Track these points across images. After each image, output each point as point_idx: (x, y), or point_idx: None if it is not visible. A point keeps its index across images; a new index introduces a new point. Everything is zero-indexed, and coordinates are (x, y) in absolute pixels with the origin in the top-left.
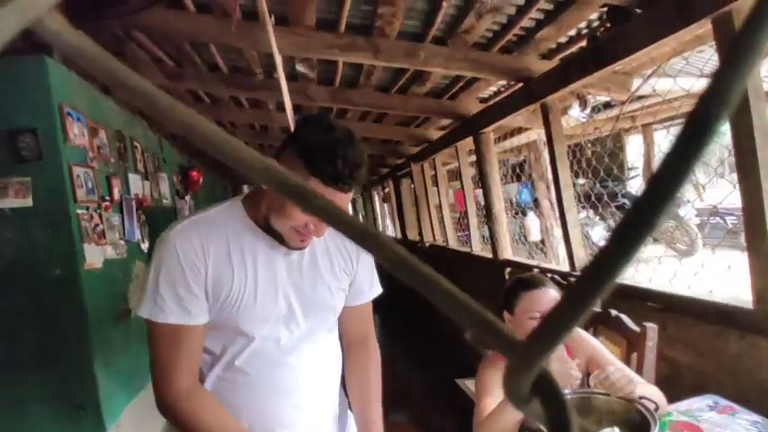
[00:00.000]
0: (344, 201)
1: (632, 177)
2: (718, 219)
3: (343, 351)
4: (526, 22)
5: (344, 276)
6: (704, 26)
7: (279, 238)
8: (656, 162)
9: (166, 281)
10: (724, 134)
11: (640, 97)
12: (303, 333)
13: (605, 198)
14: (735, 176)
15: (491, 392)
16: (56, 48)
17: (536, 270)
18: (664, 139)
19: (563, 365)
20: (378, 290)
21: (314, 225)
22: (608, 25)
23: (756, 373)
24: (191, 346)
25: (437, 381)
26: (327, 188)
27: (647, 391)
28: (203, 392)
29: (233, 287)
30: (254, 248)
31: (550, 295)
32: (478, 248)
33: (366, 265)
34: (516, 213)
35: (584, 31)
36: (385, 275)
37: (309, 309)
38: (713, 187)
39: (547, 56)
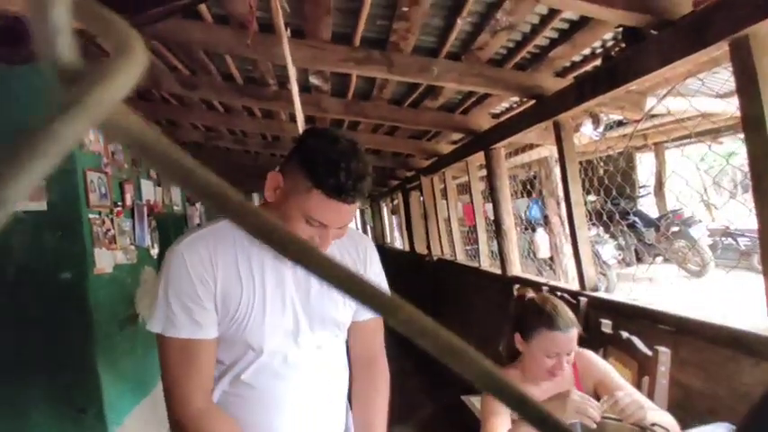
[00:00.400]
0: (348, 213)
1: (643, 196)
2: (729, 239)
3: (351, 372)
4: (540, 40)
5: None
6: (720, 49)
7: None
8: (668, 181)
9: (176, 294)
10: (737, 154)
11: (653, 116)
12: (311, 348)
13: (616, 216)
14: (747, 197)
15: (498, 412)
16: (127, 147)
17: (545, 288)
18: (676, 159)
19: (582, 400)
20: None
21: (319, 239)
22: (623, 45)
23: None
24: (203, 362)
25: (443, 396)
26: (330, 200)
27: (659, 417)
28: (219, 413)
29: (242, 300)
30: (261, 261)
31: (571, 336)
32: (487, 263)
33: (373, 278)
34: (526, 229)
35: (599, 51)
36: (392, 286)
37: (316, 324)
38: (725, 208)
39: (560, 74)
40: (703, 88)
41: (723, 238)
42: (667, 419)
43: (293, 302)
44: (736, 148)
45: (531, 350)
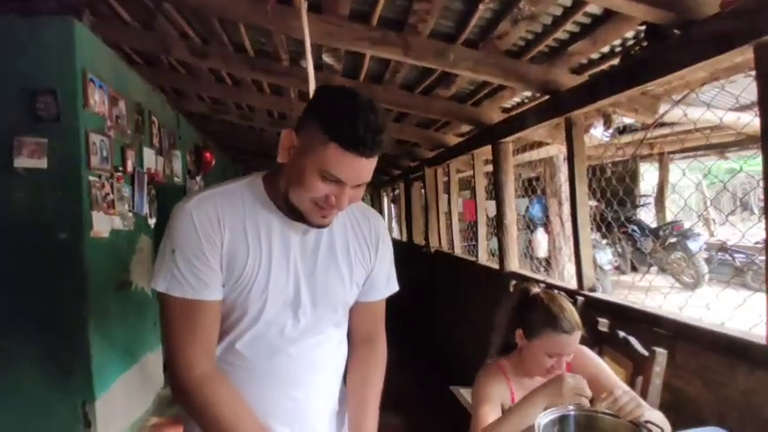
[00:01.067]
0: (365, 169)
1: (644, 205)
2: (725, 255)
3: (349, 347)
4: (561, 33)
5: (361, 269)
6: (744, 54)
7: (299, 216)
8: (669, 193)
9: (183, 253)
10: (738, 173)
11: (662, 124)
12: (309, 323)
13: (621, 220)
14: (745, 215)
15: (489, 401)
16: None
17: (542, 285)
18: (680, 172)
19: (576, 381)
20: (394, 287)
21: (335, 197)
22: (644, 44)
23: (762, 410)
24: (208, 325)
25: (430, 387)
26: (348, 153)
27: (653, 416)
28: (223, 379)
29: (247, 264)
30: (269, 227)
31: (577, 337)
32: (484, 258)
33: (385, 259)
34: (528, 227)
35: (618, 49)
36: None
37: (318, 298)
38: (724, 223)
39: (577, 71)
40: (715, 100)
41: (719, 253)
42: (660, 417)
43: (297, 273)
44: (738, 167)
45: (533, 349)
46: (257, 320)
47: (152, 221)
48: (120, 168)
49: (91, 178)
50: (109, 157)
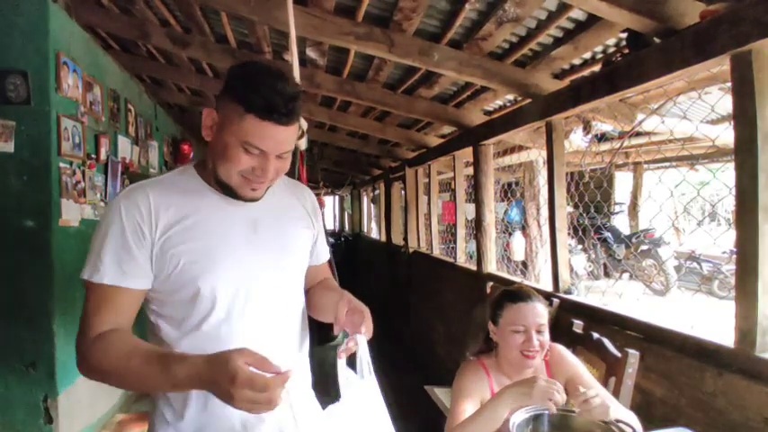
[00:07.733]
0: (285, 137)
1: (617, 213)
2: (694, 263)
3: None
4: (544, 38)
5: (308, 233)
6: (721, 63)
7: (230, 191)
8: (643, 202)
9: (107, 243)
10: (708, 184)
11: (639, 134)
12: (273, 293)
13: (597, 225)
14: (713, 225)
15: (469, 395)
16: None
17: None
18: (653, 181)
19: (549, 385)
20: (329, 252)
21: (260, 168)
22: (625, 51)
23: (728, 412)
24: (118, 306)
25: (405, 386)
26: (264, 122)
27: (624, 415)
28: (115, 331)
29: (189, 247)
30: (209, 208)
31: (536, 310)
32: (462, 259)
33: (322, 226)
34: (506, 231)
35: (600, 56)
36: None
37: (276, 262)
38: (693, 233)
39: (559, 76)
40: (690, 113)
41: (688, 262)
42: (631, 417)
43: (248, 245)
44: (710, 179)
45: (502, 332)
46: (215, 299)
47: None
48: (93, 156)
49: (61, 165)
50: (81, 143)
